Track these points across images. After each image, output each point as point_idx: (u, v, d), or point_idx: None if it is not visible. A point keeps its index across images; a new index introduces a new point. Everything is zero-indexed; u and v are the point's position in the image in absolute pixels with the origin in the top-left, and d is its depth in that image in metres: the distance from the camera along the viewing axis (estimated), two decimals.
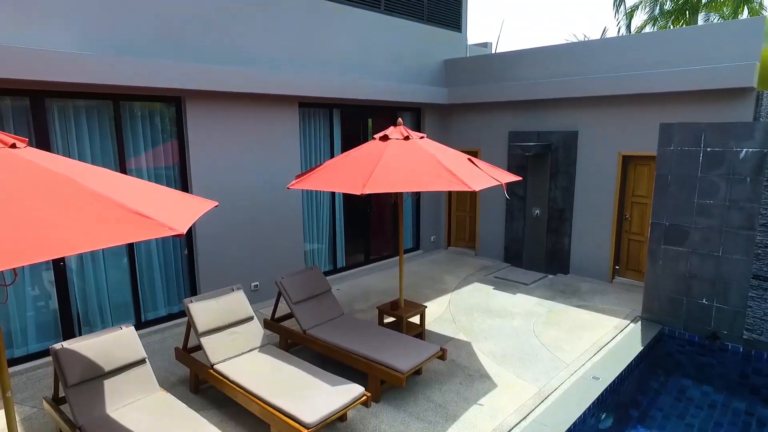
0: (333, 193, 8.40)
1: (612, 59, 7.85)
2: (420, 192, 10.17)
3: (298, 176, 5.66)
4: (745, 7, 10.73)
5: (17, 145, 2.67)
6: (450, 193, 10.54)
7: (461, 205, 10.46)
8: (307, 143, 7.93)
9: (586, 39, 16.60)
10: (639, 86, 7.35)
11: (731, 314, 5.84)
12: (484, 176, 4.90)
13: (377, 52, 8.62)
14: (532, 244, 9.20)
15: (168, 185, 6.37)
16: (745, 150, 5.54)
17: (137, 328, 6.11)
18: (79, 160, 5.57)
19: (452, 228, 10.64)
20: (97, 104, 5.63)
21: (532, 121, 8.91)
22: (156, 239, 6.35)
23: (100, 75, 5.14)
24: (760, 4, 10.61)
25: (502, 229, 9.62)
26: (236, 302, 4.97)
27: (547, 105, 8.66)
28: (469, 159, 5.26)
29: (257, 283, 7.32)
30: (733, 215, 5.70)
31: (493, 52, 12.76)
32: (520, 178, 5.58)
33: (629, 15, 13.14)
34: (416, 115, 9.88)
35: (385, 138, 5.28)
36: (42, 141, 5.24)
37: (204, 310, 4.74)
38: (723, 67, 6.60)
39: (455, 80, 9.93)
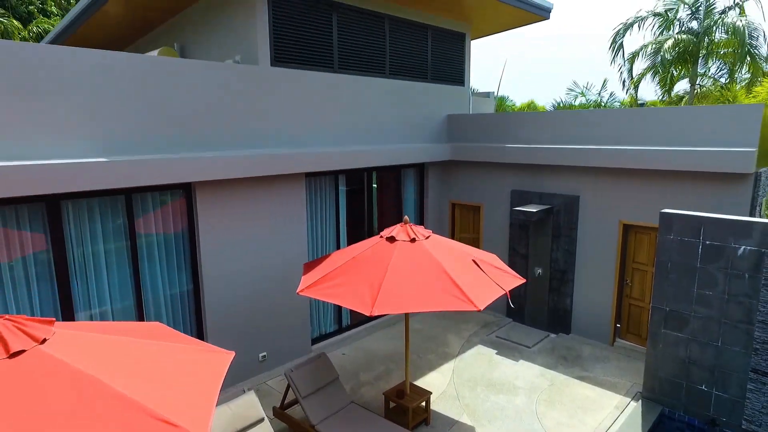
0: None
1: (613, 130, 7.98)
2: None
3: (307, 268, 5.79)
4: (747, 57, 10.89)
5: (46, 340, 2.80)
6: None
7: None
8: (314, 211, 8.05)
9: (588, 87, 16.73)
10: (638, 162, 7.48)
11: (730, 403, 5.97)
12: (488, 285, 5.03)
13: (382, 113, 8.76)
14: (534, 302, 9.33)
15: (178, 267, 6.51)
16: (743, 247, 5.67)
17: None
18: (92, 254, 5.71)
19: None
20: (110, 199, 5.76)
21: (534, 182, 9.05)
22: (166, 305, 6.49)
23: (114, 180, 5.28)
24: (764, 58, 10.77)
25: None
26: (248, 406, 5.09)
27: (549, 169, 8.79)
28: (473, 261, 5.39)
29: (265, 353, 7.44)
30: (732, 308, 5.82)
31: (496, 95, 12.89)
32: (524, 280, 5.70)
33: (630, 61, 13.29)
34: (419, 170, 10.02)
35: (392, 239, 5.40)
36: (57, 240, 5.37)
37: (216, 417, 4.86)
38: (721, 152, 6.73)
39: (458, 135, 10.07)
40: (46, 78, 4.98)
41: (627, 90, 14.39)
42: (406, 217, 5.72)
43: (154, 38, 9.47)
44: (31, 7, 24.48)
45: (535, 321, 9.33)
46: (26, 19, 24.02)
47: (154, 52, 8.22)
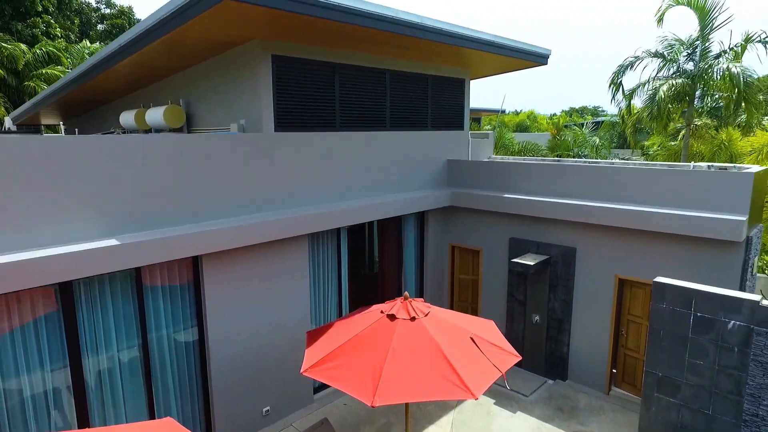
0: (339, 314, 8.70)
1: (610, 187, 8.17)
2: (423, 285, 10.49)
3: (310, 339, 5.98)
4: (742, 103, 11.06)
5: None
6: (452, 284, 10.85)
7: (463, 295, 10.76)
8: (317, 265, 8.23)
9: (589, 122, 16.80)
10: (633, 222, 7.67)
11: None
12: (486, 367, 5.21)
13: (384, 165, 8.96)
14: (531, 347, 9.51)
15: (184, 322, 6.70)
16: (733, 322, 5.85)
17: None
18: (103, 326, 5.90)
19: None
20: (119, 273, 5.96)
21: (532, 231, 9.23)
22: (172, 361, 6.68)
23: (122, 263, 5.48)
24: (758, 104, 10.91)
25: (503, 329, 9.92)
26: None
27: (547, 220, 8.97)
28: (471, 339, 5.57)
29: (268, 407, 7.62)
30: (722, 379, 6.00)
31: (496, 127, 13.07)
32: (520, 358, 5.88)
33: (628, 97, 13.48)
34: (420, 214, 10.21)
35: (392, 317, 5.59)
36: (68, 315, 5.56)
37: None
38: (712, 220, 6.92)
39: (458, 180, 10.27)
40: (48, 167, 5.18)
41: (626, 128, 14.65)
42: (406, 293, 5.91)
43: (160, 88, 9.67)
44: (35, 30, 24.74)
45: (532, 366, 9.51)
46: (31, 42, 24.29)
47: (161, 110, 8.44)
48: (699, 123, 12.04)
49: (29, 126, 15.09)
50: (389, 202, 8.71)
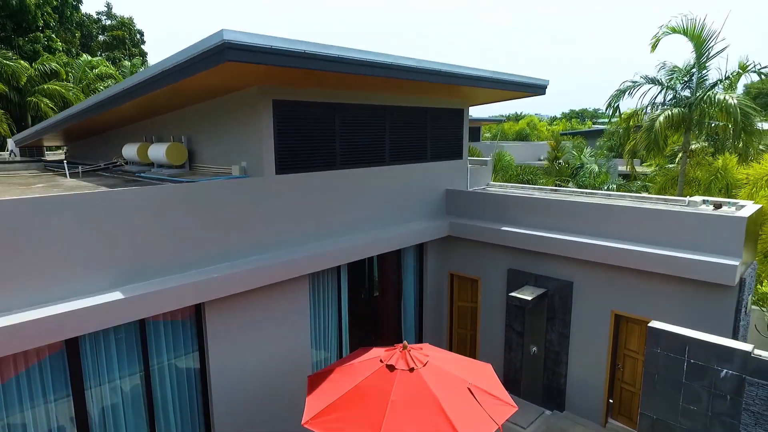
0: (339, 351, 8.82)
1: (604, 224, 8.29)
2: (422, 316, 10.61)
3: (311, 385, 6.09)
4: (741, 134, 11.15)
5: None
6: (451, 311, 10.96)
7: (462, 322, 10.87)
8: (317, 301, 8.35)
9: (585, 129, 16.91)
10: (628, 261, 7.79)
11: None
12: (482, 419, 5.33)
13: (384, 198, 9.08)
14: (529, 377, 9.63)
15: (186, 359, 6.82)
16: (725, 371, 5.96)
17: None
18: (107, 376, 6.02)
19: (453, 347, 11.05)
20: (124, 325, 6.08)
21: (530, 263, 9.34)
22: (173, 393, 6.79)
23: (126, 315, 5.60)
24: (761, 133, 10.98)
25: (502, 358, 10.03)
26: None
27: (544, 254, 9.08)
28: (468, 388, 5.69)
29: None
30: (715, 426, 6.11)
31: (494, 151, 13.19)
32: (516, 408, 5.97)
33: (624, 122, 13.61)
34: (419, 245, 10.32)
35: (391, 368, 5.71)
36: (75, 372, 5.68)
37: None
38: (705, 263, 7.03)
39: (457, 210, 10.38)
40: (49, 227, 5.31)
41: (624, 154, 14.78)
42: (405, 342, 6.03)
43: (163, 122, 9.80)
44: (36, 45, 24.88)
45: (530, 395, 9.62)
46: (32, 57, 24.43)
47: (163, 147, 8.56)
48: (696, 147, 12.14)
49: (32, 148, 15.22)
50: (389, 237, 8.82)
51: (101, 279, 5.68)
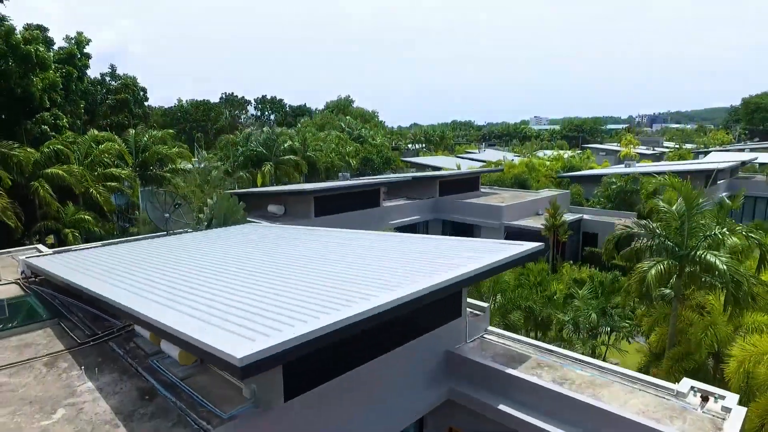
0: None
1: (592, 422, 8.61)
2: None
3: None
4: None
5: None
6: None
7: None
8: None
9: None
10: None
11: None
12: None
13: (386, 387, 9.42)
14: None
15: None
16: None
17: None
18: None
19: None
20: None
21: None
22: None
23: None
24: None
25: None
26: None
27: None
28: None
29: None
30: None
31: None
32: None
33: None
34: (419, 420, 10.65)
35: None
36: None
37: None
38: None
39: (456, 373, 10.69)
40: None
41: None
42: None
43: None
44: (44, 127, 25.28)
45: None
46: (39, 138, 24.80)
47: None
48: (688, 292, 12.35)
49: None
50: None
51: None
